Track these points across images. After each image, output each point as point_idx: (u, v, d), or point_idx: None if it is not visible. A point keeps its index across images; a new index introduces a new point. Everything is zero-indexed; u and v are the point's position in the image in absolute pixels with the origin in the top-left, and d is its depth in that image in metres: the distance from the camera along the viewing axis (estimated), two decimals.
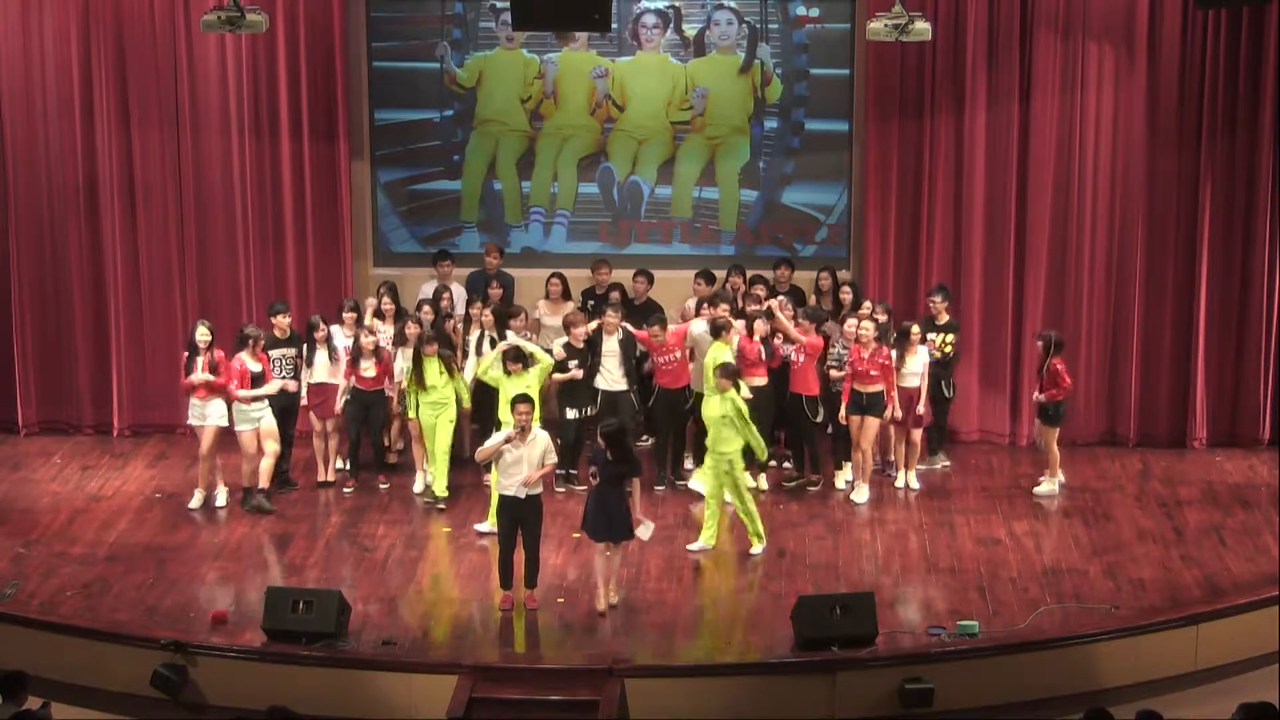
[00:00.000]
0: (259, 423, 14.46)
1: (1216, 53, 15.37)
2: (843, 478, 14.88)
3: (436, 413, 14.35)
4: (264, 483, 14.58)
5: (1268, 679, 11.88)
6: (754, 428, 13.66)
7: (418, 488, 14.93)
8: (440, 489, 14.44)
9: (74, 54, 15.88)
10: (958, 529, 14.20)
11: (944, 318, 15.13)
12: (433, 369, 14.30)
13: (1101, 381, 16.08)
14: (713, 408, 13.65)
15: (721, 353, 13.95)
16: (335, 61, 15.97)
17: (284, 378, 14.75)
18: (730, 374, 13.63)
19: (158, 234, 16.24)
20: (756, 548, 13.65)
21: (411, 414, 14.56)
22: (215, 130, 16.04)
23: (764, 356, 14.55)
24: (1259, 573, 13.21)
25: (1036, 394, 14.71)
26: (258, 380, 14.42)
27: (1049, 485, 14.82)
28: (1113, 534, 14.09)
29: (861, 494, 14.71)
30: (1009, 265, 15.91)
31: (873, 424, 14.58)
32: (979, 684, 11.91)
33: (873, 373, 14.43)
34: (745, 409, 13.62)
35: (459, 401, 14.66)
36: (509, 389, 13.61)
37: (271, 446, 14.51)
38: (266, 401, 14.48)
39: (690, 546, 13.70)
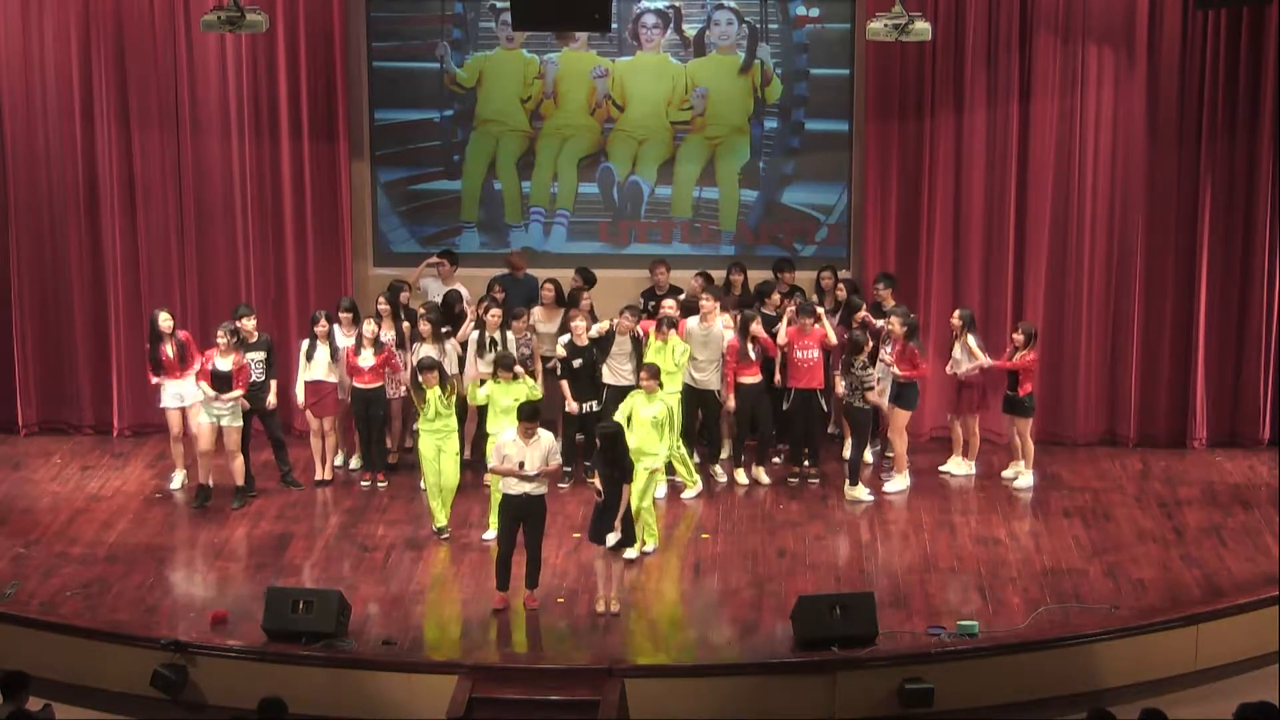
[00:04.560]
0: (220, 420, 14.48)
1: (1216, 53, 15.36)
2: (860, 493, 14.81)
3: (439, 442, 13.90)
4: (239, 480, 14.67)
5: (1268, 679, 11.89)
6: (678, 437, 13.89)
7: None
8: (442, 519, 14.13)
9: (74, 54, 15.88)
10: (958, 529, 14.20)
11: (890, 303, 15.17)
12: (432, 397, 13.87)
13: (1101, 381, 16.08)
14: (644, 408, 13.61)
15: (655, 354, 14.34)
16: (335, 61, 15.96)
17: (254, 381, 14.75)
18: (653, 374, 13.76)
19: (158, 234, 16.24)
20: (649, 545, 13.58)
21: (416, 440, 14.19)
22: (215, 130, 16.04)
23: (752, 355, 14.75)
24: (1259, 573, 13.22)
25: (1008, 386, 14.83)
26: (222, 380, 14.41)
27: (1027, 477, 14.95)
28: (1113, 534, 14.09)
29: (898, 483, 14.81)
30: (1009, 265, 15.92)
31: (901, 415, 14.66)
32: (979, 684, 11.92)
33: (901, 369, 14.59)
34: (676, 414, 13.90)
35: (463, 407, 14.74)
36: (499, 399, 13.70)
37: (232, 447, 14.54)
38: (236, 401, 14.52)
39: (629, 555, 13.24)
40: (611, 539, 12.47)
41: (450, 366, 14.75)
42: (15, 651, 11.95)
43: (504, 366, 13.88)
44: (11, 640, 12.29)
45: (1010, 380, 14.83)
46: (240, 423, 14.59)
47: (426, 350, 14.65)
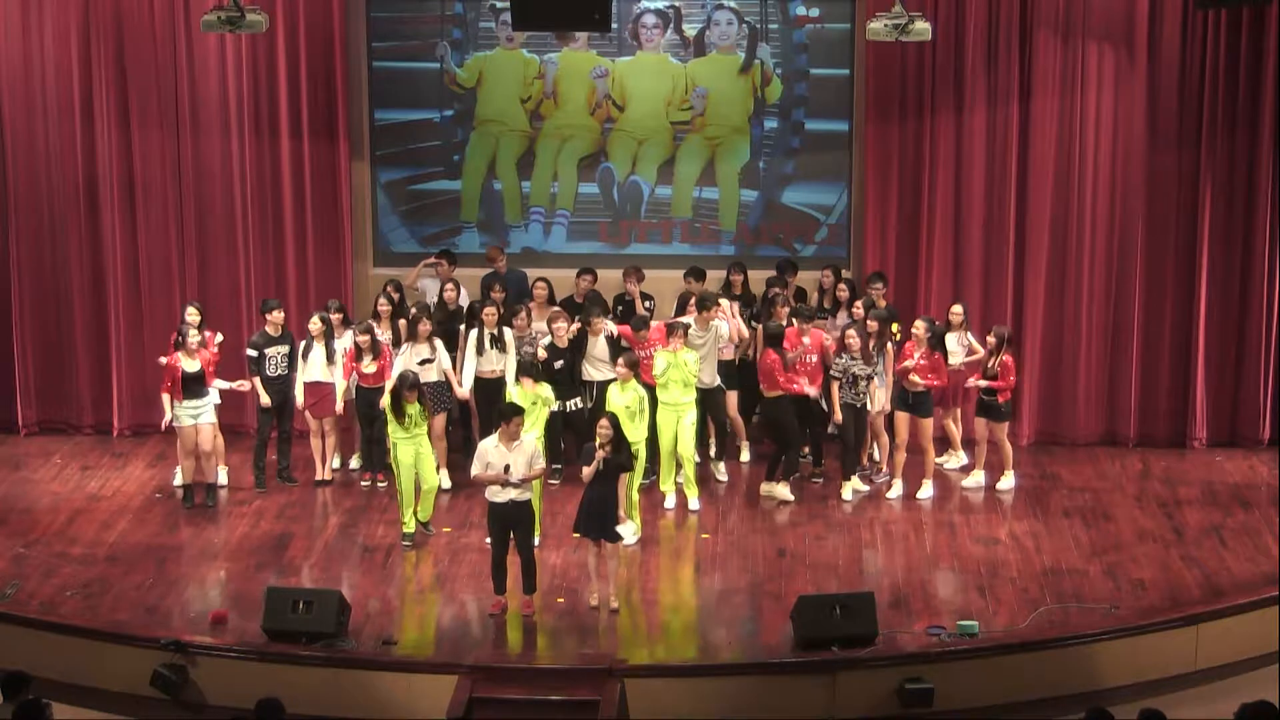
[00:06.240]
0: (198, 419, 14.48)
1: (1216, 53, 15.37)
2: (850, 488, 14.84)
3: (416, 446, 13.83)
4: (210, 479, 14.70)
5: (1268, 679, 11.88)
6: (643, 427, 13.85)
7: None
8: (426, 514, 14.08)
9: (74, 54, 15.89)
10: (958, 529, 14.20)
11: (881, 304, 15.19)
12: (414, 411, 13.81)
13: (1101, 381, 16.08)
14: (616, 397, 13.74)
15: (667, 366, 14.26)
16: (335, 61, 15.97)
17: (279, 374, 14.85)
18: (631, 364, 13.85)
19: (158, 234, 16.25)
20: (630, 538, 13.63)
21: (394, 450, 13.92)
22: (215, 130, 16.05)
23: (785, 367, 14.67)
24: (1259, 573, 13.22)
25: (981, 390, 14.67)
26: (193, 380, 14.41)
27: (1009, 478, 14.96)
28: (1113, 534, 14.09)
29: (926, 490, 14.80)
30: (1009, 265, 15.92)
31: (926, 424, 14.63)
32: (979, 684, 11.91)
33: (921, 376, 14.50)
34: (645, 402, 13.87)
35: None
36: (522, 400, 13.58)
37: (207, 446, 14.55)
38: (209, 399, 14.54)
39: (630, 540, 13.61)
40: (626, 531, 12.56)
41: (444, 363, 14.84)
42: (15, 651, 11.95)
43: (524, 373, 13.85)
44: (11, 640, 12.28)
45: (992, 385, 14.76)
46: (214, 419, 14.61)
47: (420, 350, 14.67)
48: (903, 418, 14.69)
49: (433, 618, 12.86)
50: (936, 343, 14.58)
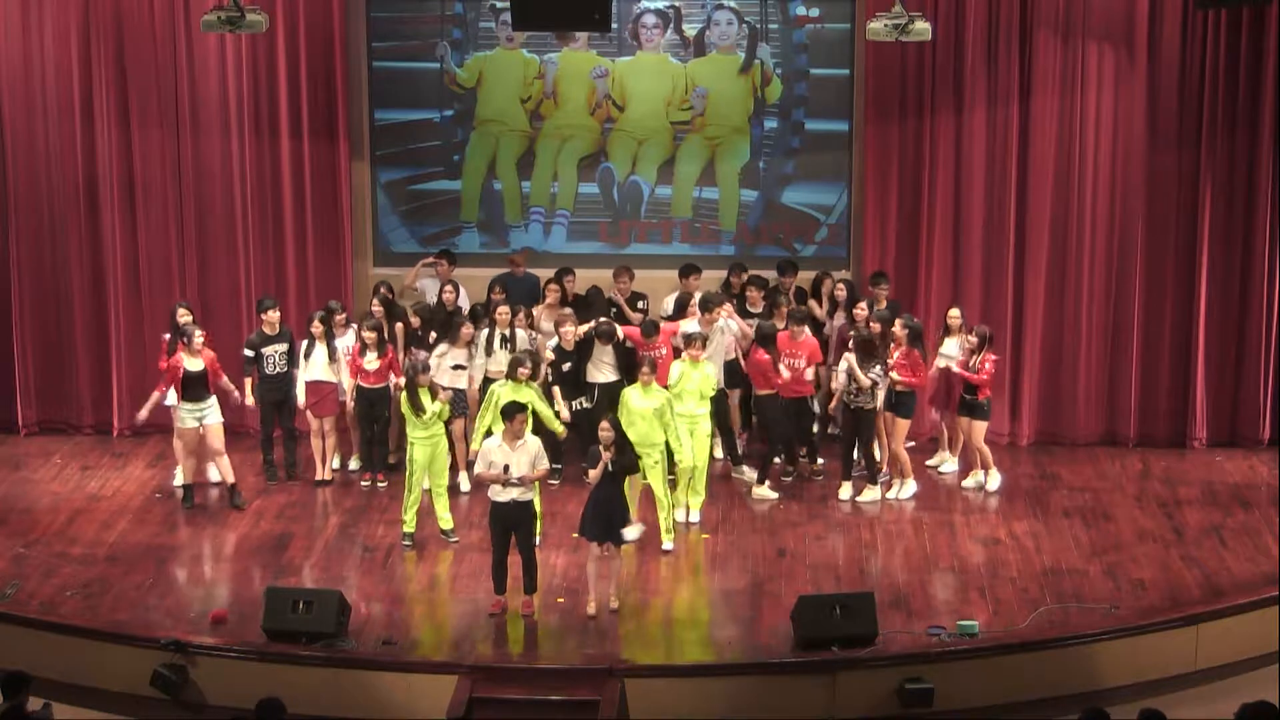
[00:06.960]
0: (204, 420, 14.46)
1: (1216, 53, 15.37)
2: (849, 487, 14.84)
3: (433, 444, 13.76)
4: (230, 479, 14.63)
5: (1268, 679, 11.89)
6: (675, 427, 13.76)
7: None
8: (448, 524, 14.03)
9: (74, 54, 15.89)
10: (958, 529, 14.21)
11: (882, 303, 15.21)
12: (441, 404, 13.86)
13: (1101, 381, 16.09)
14: (639, 400, 13.69)
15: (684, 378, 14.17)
16: (335, 61, 15.97)
17: (276, 373, 14.88)
18: (652, 366, 13.89)
19: (158, 234, 16.25)
20: (666, 543, 13.72)
21: (410, 449, 13.79)
22: (215, 130, 16.05)
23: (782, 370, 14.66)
24: (1259, 573, 13.22)
25: (963, 388, 14.73)
26: (195, 380, 14.38)
27: (996, 478, 14.96)
28: (1113, 534, 14.09)
29: (908, 489, 14.77)
30: (1009, 265, 15.92)
31: (902, 425, 14.61)
32: (979, 684, 11.92)
33: (900, 374, 14.50)
34: (671, 406, 13.78)
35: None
36: (507, 395, 13.49)
37: (219, 445, 14.52)
38: (214, 399, 14.51)
39: (665, 547, 13.74)
40: (631, 533, 12.57)
41: (477, 372, 14.83)
42: (15, 651, 11.95)
43: (519, 365, 13.83)
44: (11, 640, 12.29)
45: (968, 383, 14.73)
46: (220, 418, 14.59)
47: (457, 355, 14.64)
48: (886, 416, 14.73)
49: (433, 618, 12.85)
50: (914, 339, 14.57)
